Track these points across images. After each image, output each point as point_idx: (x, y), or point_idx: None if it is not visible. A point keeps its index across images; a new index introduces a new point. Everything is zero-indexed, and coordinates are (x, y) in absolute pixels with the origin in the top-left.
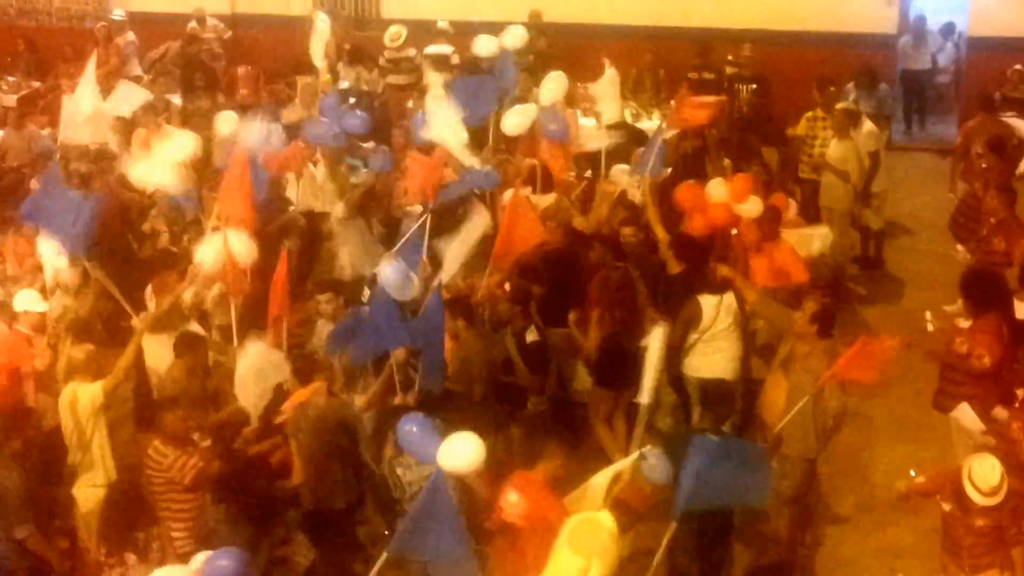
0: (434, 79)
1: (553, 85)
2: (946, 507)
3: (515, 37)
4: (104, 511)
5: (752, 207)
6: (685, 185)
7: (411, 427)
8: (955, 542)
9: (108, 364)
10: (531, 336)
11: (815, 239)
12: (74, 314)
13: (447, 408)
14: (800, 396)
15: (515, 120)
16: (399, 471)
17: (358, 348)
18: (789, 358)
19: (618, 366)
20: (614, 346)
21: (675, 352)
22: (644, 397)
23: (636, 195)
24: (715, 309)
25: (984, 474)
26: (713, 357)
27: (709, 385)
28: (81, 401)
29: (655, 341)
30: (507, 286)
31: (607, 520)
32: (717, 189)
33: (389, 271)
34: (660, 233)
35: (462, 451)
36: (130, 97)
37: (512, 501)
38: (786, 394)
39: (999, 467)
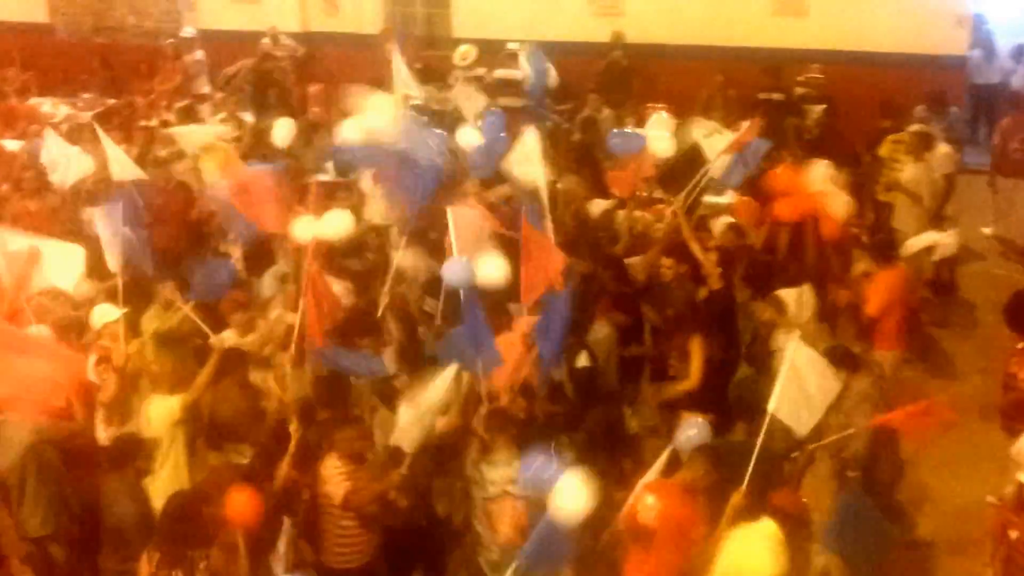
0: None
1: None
2: (1014, 534)
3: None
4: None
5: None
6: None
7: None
8: None
9: (186, 379)
10: (582, 361)
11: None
12: (163, 326)
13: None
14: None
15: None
16: (483, 467)
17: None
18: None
19: (720, 390)
20: (713, 371)
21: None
22: (772, 403)
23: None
24: (796, 302)
25: None
26: None
27: None
28: (159, 414)
29: (789, 351)
30: None
31: (771, 527)
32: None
33: (453, 268)
34: (697, 250)
35: (571, 502)
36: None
37: (648, 504)
38: None
39: None
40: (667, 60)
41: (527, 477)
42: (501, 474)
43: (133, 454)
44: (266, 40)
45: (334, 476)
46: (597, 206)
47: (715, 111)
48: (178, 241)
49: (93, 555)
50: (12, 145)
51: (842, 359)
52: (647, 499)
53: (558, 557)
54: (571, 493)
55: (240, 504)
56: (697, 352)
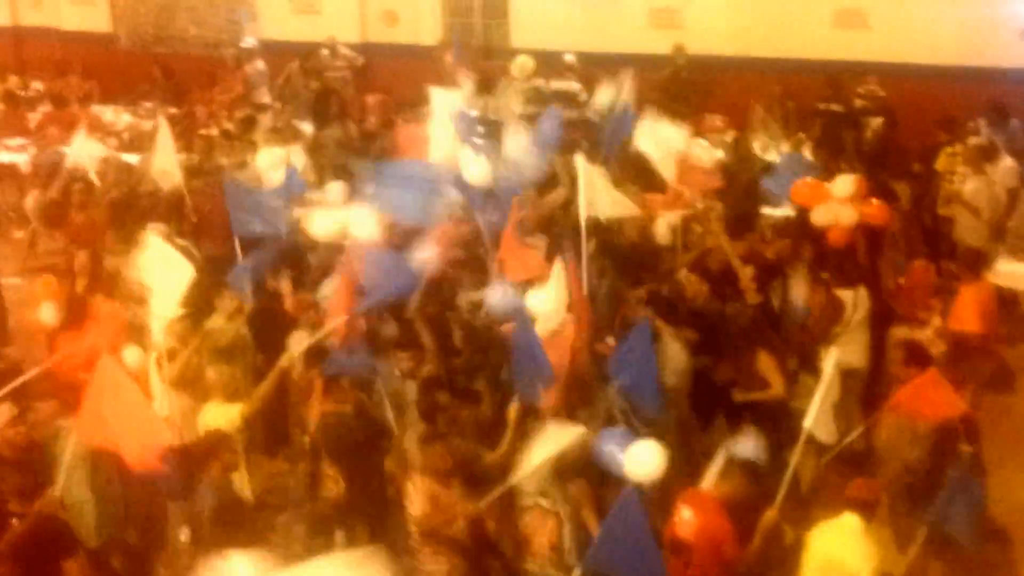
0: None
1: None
2: None
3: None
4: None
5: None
6: (803, 182)
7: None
8: None
9: (245, 389)
10: None
11: None
12: (223, 334)
13: None
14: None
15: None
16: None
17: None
18: None
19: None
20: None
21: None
22: (809, 420)
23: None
24: (852, 302)
25: None
26: (849, 348)
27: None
28: (217, 422)
29: (829, 365)
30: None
31: (853, 520)
32: (842, 186)
33: (497, 297)
34: (737, 264)
35: (646, 459)
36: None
37: (685, 518)
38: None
39: None
40: (726, 72)
41: (601, 448)
42: (534, 485)
43: (217, 450)
44: (325, 51)
45: (415, 495)
46: (666, 219)
47: (773, 123)
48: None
49: (154, 562)
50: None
51: (916, 356)
52: (684, 513)
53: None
54: (644, 457)
55: None
56: (769, 364)
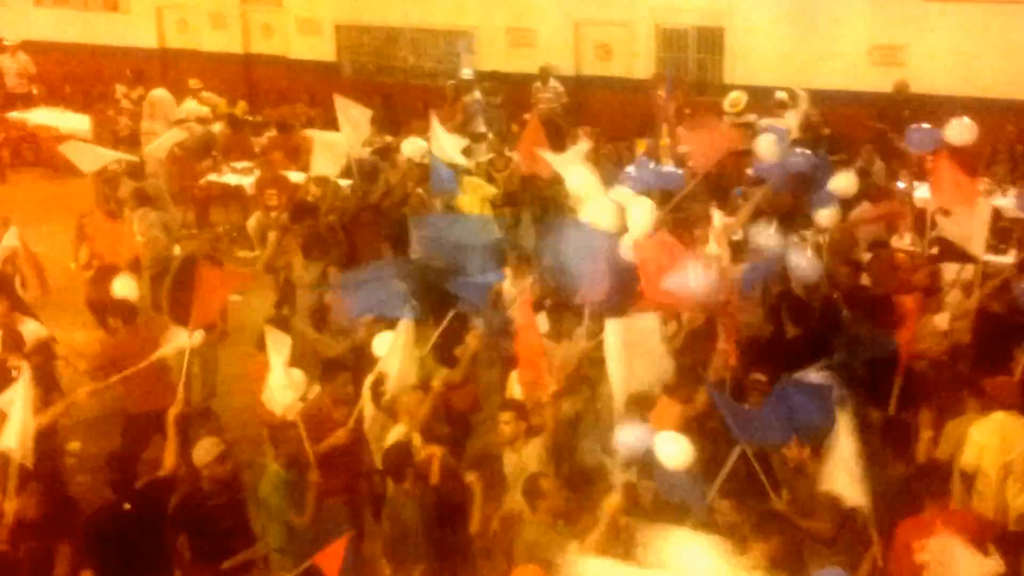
0: None
1: None
2: None
3: None
4: None
5: None
6: None
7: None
8: None
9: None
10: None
11: None
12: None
13: None
14: None
15: None
16: None
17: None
18: None
19: None
20: None
21: None
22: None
23: None
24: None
25: None
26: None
27: None
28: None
29: None
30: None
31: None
32: None
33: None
34: None
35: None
36: None
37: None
38: None
39: None
40: (950, 111)
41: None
42: None
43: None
44: (537, 84)
45: None
46: None
47: (999, 166)
48: None
49: None
50: (296, 176)
51: None
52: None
53: None
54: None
55: None
56: None
